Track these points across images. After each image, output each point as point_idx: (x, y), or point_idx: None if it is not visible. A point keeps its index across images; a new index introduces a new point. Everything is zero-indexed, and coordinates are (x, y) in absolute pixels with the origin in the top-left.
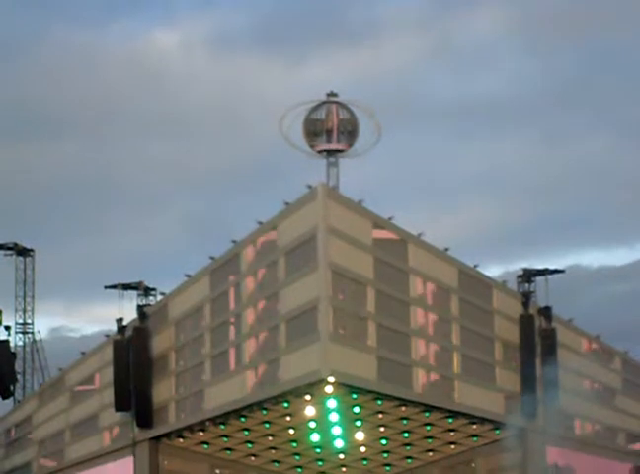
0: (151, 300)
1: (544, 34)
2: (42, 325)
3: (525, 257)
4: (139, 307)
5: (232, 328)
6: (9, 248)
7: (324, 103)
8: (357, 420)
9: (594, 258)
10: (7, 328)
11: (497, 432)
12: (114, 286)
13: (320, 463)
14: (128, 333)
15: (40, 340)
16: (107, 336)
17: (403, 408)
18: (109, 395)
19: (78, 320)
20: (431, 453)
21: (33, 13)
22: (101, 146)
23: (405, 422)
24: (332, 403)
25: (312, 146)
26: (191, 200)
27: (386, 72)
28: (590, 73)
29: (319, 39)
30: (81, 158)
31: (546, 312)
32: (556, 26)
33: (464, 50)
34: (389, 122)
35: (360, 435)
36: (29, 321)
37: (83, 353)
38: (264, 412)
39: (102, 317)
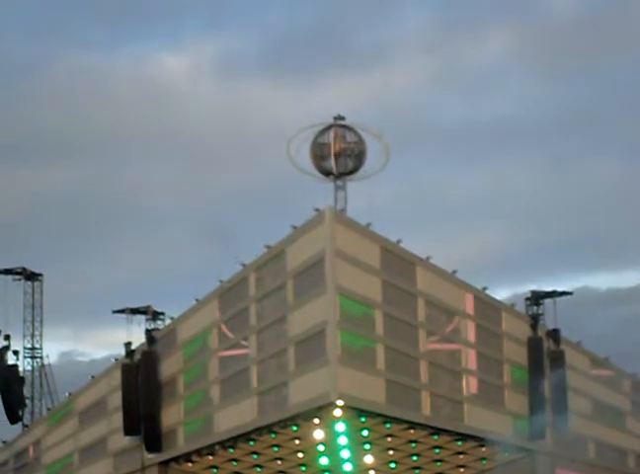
0: (159, 324)
1: (553, 57)
2: (52, 350)
3: (534, 280)
4: (147, 331)
5: (240, 352)
6: (17, 273)
7: (331, 126)
8: (365, 443)
9: (603, 280)
10: (15, 353)
11: (506, 454)
12: (122, 311)
13: None
14: (137, 357)
15: (49, 364)
16: (115, 360)
17: (412, 431)
18: (117, 419)
19: (88, 345)
20: None
21: (42, 37)
22: (108, 169)
23: (414, 445)
24: (341, 426)
25: (319, 170)
26: (198, 224)
27: (394, 95)
28: (598, 97)
29: (327, 63)
30: (89, 181)
31: (554, 334)
32: (565, 49)
33: (472, 73)
34: (397, 145)
35: (368, 459)
36: (37, 346)
37: (93, 377)
38: (272, 435)
39: (111, 341)
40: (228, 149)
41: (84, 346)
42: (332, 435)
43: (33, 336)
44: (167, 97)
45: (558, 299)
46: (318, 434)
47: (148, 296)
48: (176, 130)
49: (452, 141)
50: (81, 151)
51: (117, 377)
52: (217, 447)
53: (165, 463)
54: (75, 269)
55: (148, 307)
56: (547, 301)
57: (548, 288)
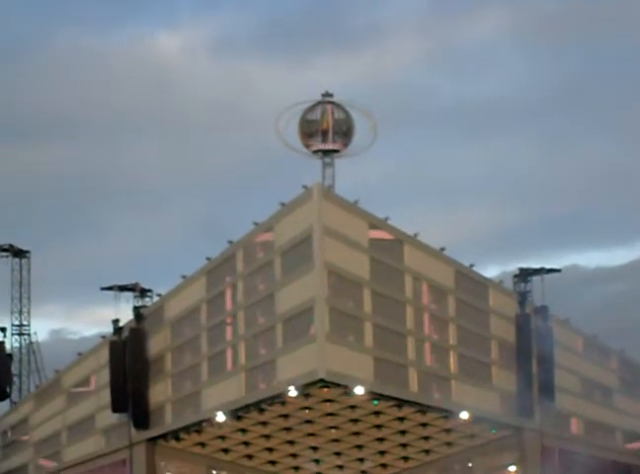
0: (147, 301)
1: (545, 36)
2: (43, 328)
3: (523, 257)
4: (135, 308)
5: (228, 329)
6: (5, 249)
7: (319, 103)
8: (353, 420)
9: (591, 258)
10: (3, 330)
11: (493, 431)
12: (110, 288)
13: (317, 464)
14: (125, 334)
15: (37, 341)
16: (103, 337)
17: (399, 408)
18: (105, 396)
19: (78, 322)
20: (428, 454)
21: (39, 17)
22: (99, 147)
23: (402, 422)
24: (328, 404)
25: (308, 146)
26: (187, 202)
27: (387, 74)
28: (590, 75)
29: (320, 42)
30: (79, 159)
31: (543, 312)
32: (557, 28)
33: (464, 53)
34: (389, 124)
35: (357, 436)
36: (25, 323)
37: (80, 354)
38: (260, 412)
39: (101, 319)
40: (222, 127)
41: (74, 323)
42: (319, 413)
43: (20, 313)
44: (163, 75)
45: (546, 277)
46: (305, 412)
47: (136, 274)
48: (170, 109)
49: (443, 121)
50: (75, 129)
51: (104, 355)
52: (205, 425)
53: (153, 440)
54: (63, 246)
55: (136, 284)
56: (535, 279)
57: (537, 266)
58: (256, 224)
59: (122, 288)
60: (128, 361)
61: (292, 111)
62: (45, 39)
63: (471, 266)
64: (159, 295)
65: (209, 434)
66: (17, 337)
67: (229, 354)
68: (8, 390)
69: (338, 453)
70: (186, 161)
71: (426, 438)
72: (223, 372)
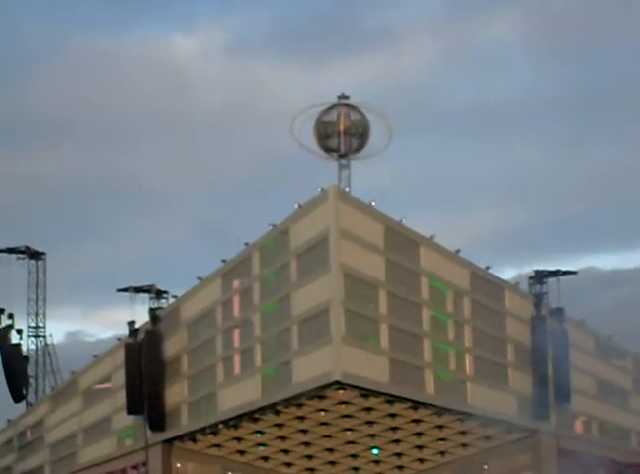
0: (163, 303)
1: (561, 38)
2: (59, 329)
3: (540, 260)
4: (151, 310)
5: (244, 330)
6: (21, 251)
7: (335, 105)
8: (369, 422)
9: (607, 260)
10: (19, 331)
11: (509, 433)
12: (125, 290)
13: (332, 466)
14: (141, 336)
15: (53, 343)
16: (119, 339)
17: (415, 410)
18: (121, 398)
19: (94, 324)
20: (443, 455)
21: (54, 18)
22: (115, 150)
23: (417, 424)
24: (344, 406)
25: (324, 148)
26: (203, 203)
27: (403, 76)
28: (607, 79)
29: (335, 44)
30: (96, 162)
31: (558, 313)
32: (574, 31)
33: (480, 55)
34: (405, 126)
35: (372, 438)
36: (41, 324)
37: (95, 356)
38: (276, 414)
39: (117, 321)
40: (236, 129)
41: (91, 325)
42: (335, 415)
43: (36, 315)
44: (178, 78)
45: (562, 279)
46: (321, 414)
47: (151, 275)
48: (185, 111)
49: (458, 122)
50: (91, 132)
51: (120, 356)
52: (221, 426)
53: (169, 442)
54: (79, 248)
55: (152, 286)
56: (551, 281)
57: (552, 268)
58: (272, 226)
59: (138, 290)
60: (144, 363)
61: (308, 113)
62: (60, 41)
63: (487, 268)
64: (175, 297)
65: (225, 435)
66: (33, 339)
67: (245, 355)
68: (24, 392)
69: (353, 455)
70: (201, 163)
71: (441, 440)
72: (239, 374)
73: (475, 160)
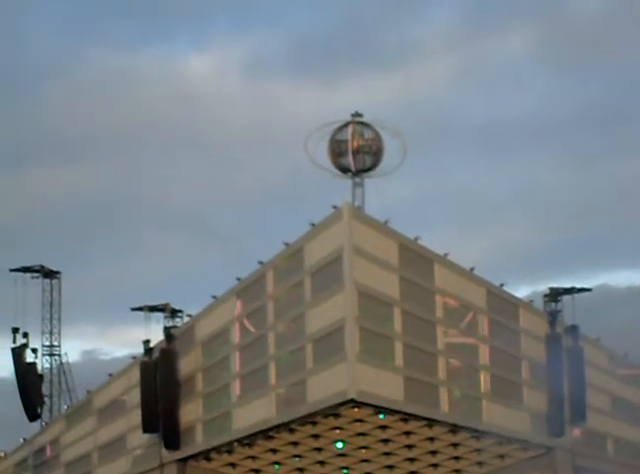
0: (178, 322)
1: (575, 55)
2: (74, 348)
3: (554, 277)
4: (166, 329)
5: (259, 349)
6: (35, 270)
7: (349, 123)
8: (384, 440)
9: (622, 277)
10: (34, 350)
11: (525, 451)
12: (140, 308)
13: None
14: (155, 355)
15: (67, 362)
16: (134, 358)
17: (430, 428)
18: (136, 417)
19: (109, 343)
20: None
21: (69, 37)
22: (131, 168)
23: (432, 442)
24: (359, 424)
25: (337, 166)
26: (217, 222)
27: (418, 94)
28: (621, 94)
29: (351, 62)
30: (110, 180)
31: (573, 331)
32: (587, 46)
33: (495, 72)
34: (420, 144)
35: (387, 456)
36: (56, 343)
37: (110, 375)
38: (291, 432)
39: (132, 339)
40: (252, 148)
41: (106, 344)
42: (350, 433)
43: (51, 334)
44: (193, 97)
45: (577, 296)
46: (336, 432)
47: (166, 294)
48: (200, 130)
49: (473, 140)
50: (106, 149)
51: (135, 375)
52: (236, 445)
53: (183, 460)
54: (93, 266)
55: (166, 305)
56: (566, 298)
57: (567, 285)
58: (286, 244)
59: (153, 309)
60: (159, 382)
61: (322, 131)
62: (74, 60)
63: (501, 285)
64: (189, 316)
65: (240, 454)
66: (48, 357)
67: (259, 374)
68: (39, 411)
69: (368, 473)
70: (216, 181)
71: (457, 459)
72: (254, 392)
73: (490, 177)
